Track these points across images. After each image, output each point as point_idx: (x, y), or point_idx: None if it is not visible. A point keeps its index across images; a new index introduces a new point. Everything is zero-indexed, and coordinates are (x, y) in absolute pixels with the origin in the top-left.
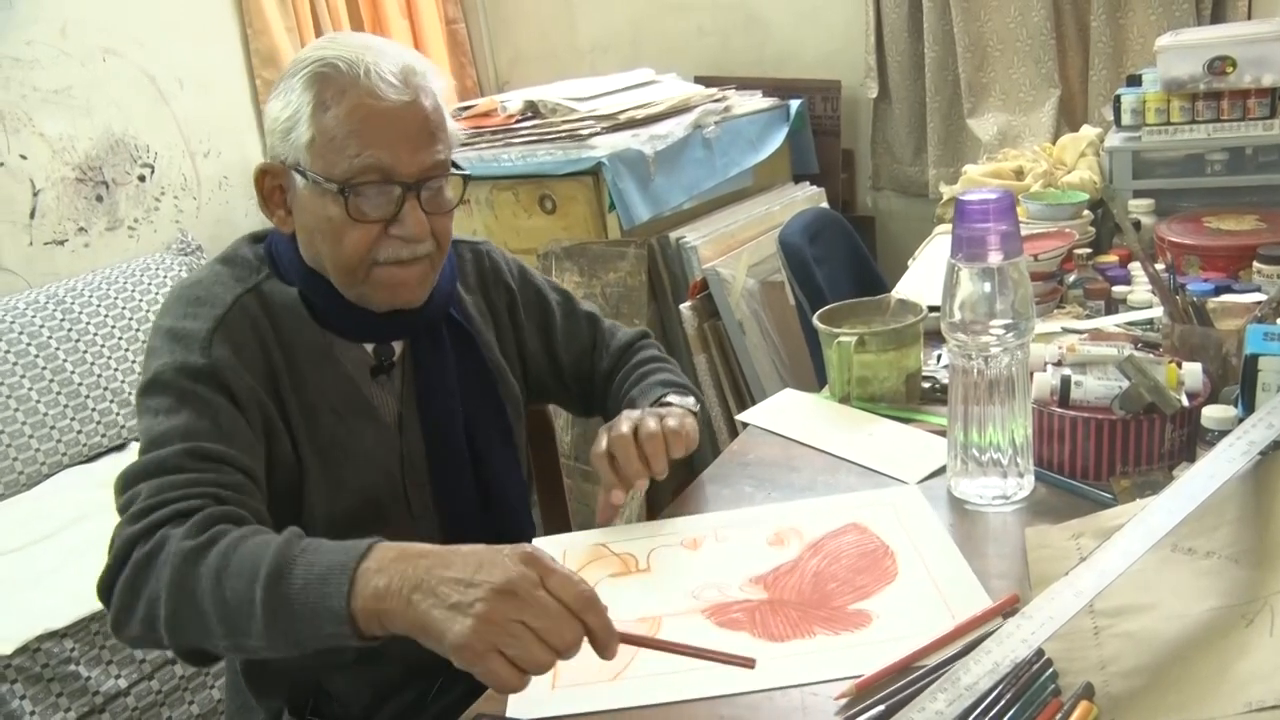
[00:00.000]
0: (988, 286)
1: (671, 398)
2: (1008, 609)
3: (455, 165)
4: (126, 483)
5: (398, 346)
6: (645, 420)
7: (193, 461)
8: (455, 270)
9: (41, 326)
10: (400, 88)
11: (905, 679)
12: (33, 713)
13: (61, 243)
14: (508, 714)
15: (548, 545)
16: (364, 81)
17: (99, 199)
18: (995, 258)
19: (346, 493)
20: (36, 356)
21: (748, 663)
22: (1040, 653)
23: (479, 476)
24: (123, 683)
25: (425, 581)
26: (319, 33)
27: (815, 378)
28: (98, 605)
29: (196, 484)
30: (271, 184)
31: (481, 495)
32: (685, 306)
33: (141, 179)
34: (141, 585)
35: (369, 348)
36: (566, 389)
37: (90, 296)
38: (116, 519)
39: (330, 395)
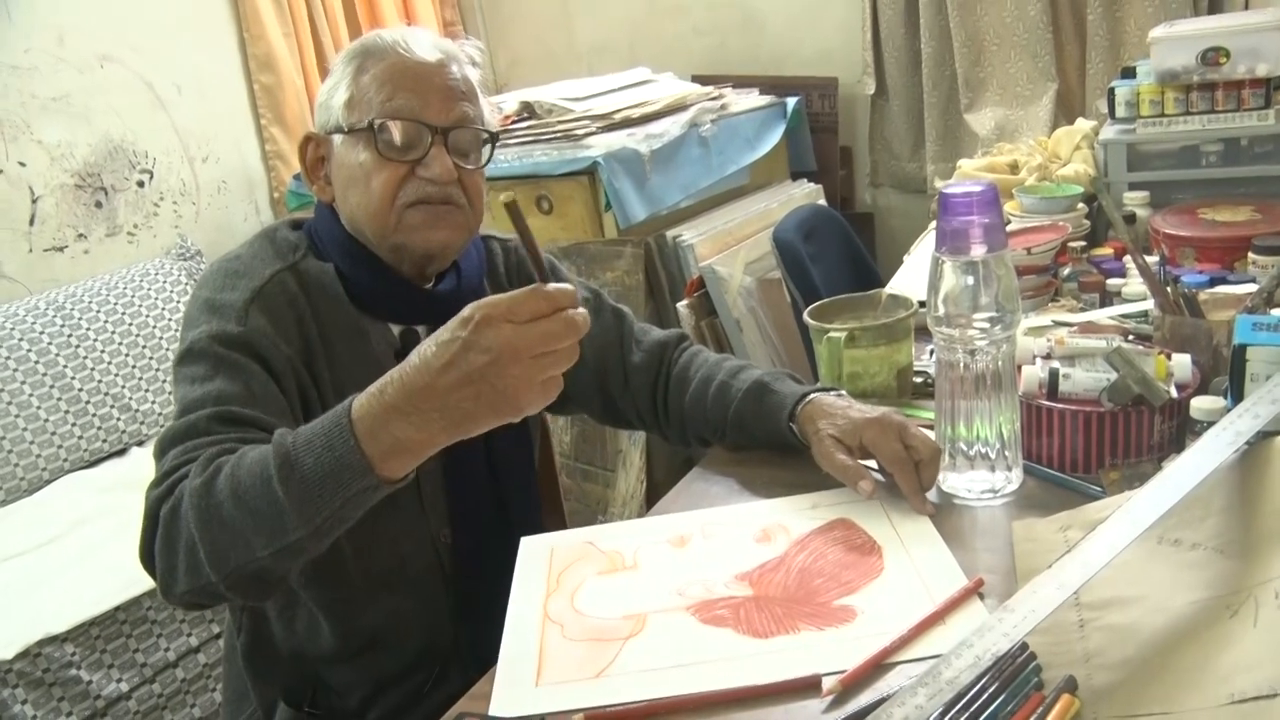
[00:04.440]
0: (971, 280)
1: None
2: (976, 590)
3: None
4: (160, 449)
5: (422, 333)
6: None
7: (219, 425)
8: (485, 261)
9: (42, 333)
10: (434, 51)
11: (888, 673)
12: (34, 717)
13: (61, 249)
14: (490, 712)
15: (536, 544)
16: (401, 44)
17: (98, 205)
18: (979, 251)
19: None
20: (37, 363)
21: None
22: (1024, 646)
23: (492, 470)
24: (124, 686)
25: (419, 387)
26: (316, 37)
27: (812, 375)
28: (99, 609)
29: (217, 444)
30: (314, 155)
31: (492, 487)
32: (682, 305)
33: (140, 185)
34: (175, 538)
35: (395, 331)
36: (587, 389)
37: (90, 302)
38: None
39: (360, 375)
